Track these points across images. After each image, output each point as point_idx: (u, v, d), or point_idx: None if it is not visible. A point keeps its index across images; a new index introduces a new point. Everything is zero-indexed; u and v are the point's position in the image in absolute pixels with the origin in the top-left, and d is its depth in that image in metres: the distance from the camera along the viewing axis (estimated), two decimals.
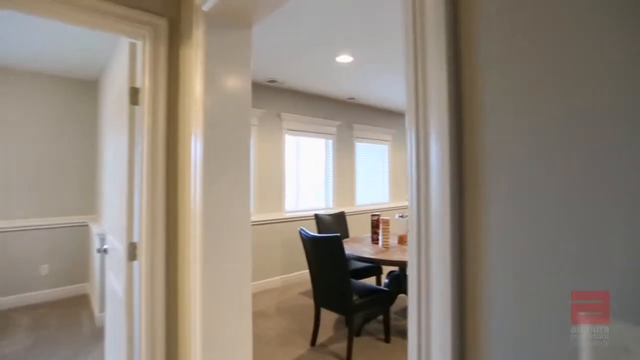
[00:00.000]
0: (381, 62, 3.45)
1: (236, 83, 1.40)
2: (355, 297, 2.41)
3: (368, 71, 3.77)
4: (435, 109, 0.59)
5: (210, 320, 1.26)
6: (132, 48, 1.53)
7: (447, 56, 0.57)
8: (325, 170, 4.96)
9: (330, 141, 4.99)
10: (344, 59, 3.33)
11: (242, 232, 1.36)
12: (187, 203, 1.39)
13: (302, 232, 2.52)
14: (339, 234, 2.30)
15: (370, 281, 3.52)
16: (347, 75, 3.93)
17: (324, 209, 4.83)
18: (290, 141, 4.55)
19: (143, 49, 1.48)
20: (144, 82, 1.48)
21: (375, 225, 3.06)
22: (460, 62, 0.58)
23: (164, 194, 1.46)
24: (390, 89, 4.56)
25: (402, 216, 3.07)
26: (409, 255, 0.67)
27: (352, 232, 4.16)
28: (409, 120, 0.64)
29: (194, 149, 1.35)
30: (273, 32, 2.73)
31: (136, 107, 1.51)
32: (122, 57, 1.77)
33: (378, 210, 5.24)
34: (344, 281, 2.34)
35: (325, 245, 2.36)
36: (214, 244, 1.29)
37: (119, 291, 1.61)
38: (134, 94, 1.51)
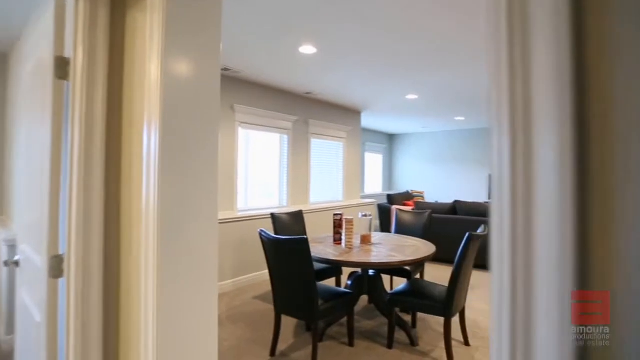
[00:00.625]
0: (346, 55, 3.31)
1: (204, 62, 1.15)
2: (320, 302, 2.25)
3: (331, 64, 3.62)
4: (546, 106, 0.43)
5: None
6: (60, 8, 1.20)
7: (566, 31, 0.41)
8: (280, 166, 4.74)
9: (286, 137, 4.78)
10: (308, 49, 3.14)
11: (208, 240, 1.12)
12: (136, 207, 1.12)
13: (263, 233, 2.30)
14: (305, 237, 2.12)
15: (330, 282, 3.39)
16: (308, 68, 3.74)
17: (278, 207, 4.61)
18: (244, 135, 4.25)
19: (75, 9, 1.16)
20: (75, 51, 1.16)
21: (338, 225, 2.93)
22: (583, 41, 0.42)
23: (102, 195, 1.17)
24: (349, 84, 4.46)
25: (365, 215, 2.98)
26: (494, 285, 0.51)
27: (309, 231, 4.00)
28: (496, 118, 0.48)
29: (148, 141, 1.08)
30: (230, 14, 2.46)
31: (65, 82, 1.19)
32: (44, 22, 1.41)
33: (332, 208, 5.14)
34: (310, 286, 2.17)
35: (290, 248, 2.17)
36: (173, 256, 1.03)
37: (36, 315, 1.27)
38: (62, 66, 1.18)
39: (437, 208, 4.95)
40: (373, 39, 2.93)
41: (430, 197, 8.97)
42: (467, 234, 2.34)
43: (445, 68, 3.78)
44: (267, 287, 3.90)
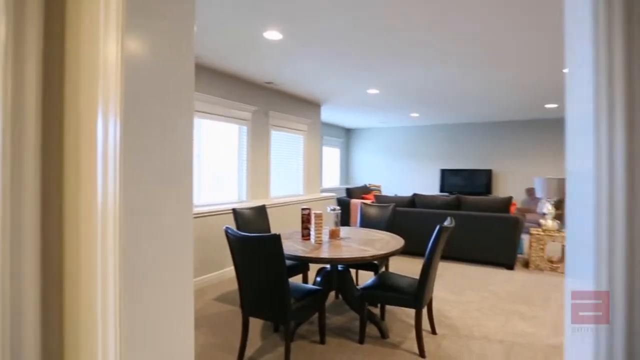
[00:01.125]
0: (312, 43, 3.20)
1: (175, 40, 0.98)
2: (292, 301, 2.15)
3: (296, 53, 3.48)
4: None
5: None
6: None
7: None
8: (238, 159, 4.52)
9: (245, 127, 4.56)
10: (273, 35, 2.97)
11: (182, 251, 0.96)
12: (86, 206, 0.92)
13: (229, 231, 2.13)
14: (278, 234, 2.00)
15: (297, 279, 3.30)
16: (272, 55, 3.57)
17: (237, 202, 4.40)
18: (197, 125, 3.98)
19: None
20: None
21: (306, 219, 2.83)
22: None
23: (37, 191, 0.95)
24: (312, 75, 4.36)
25: (334, 209, 2.91)
26: None
27: (273, 227, 3.86)
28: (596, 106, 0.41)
29: (104, 133, 0.88)
30: None
31: None
32: None
33: (295, 202, 5.03)
34: (283, 285, 2.06)
35: (261, 246, 2.03)
36: (139, 273, 0.87)
37: None
38: None
39: (397, 201, 5.04)
40: (342, 29, 2.85)
41: (387, 191, 9.18)
42: (437, 227, 2.37)
43: (410, 64, 3.82)
44: (228, 287, 3.70)
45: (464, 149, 8.37)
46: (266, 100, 4.95)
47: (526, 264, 4.51)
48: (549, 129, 7.49)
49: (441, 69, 4.03)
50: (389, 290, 2.49)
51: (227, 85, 4.28)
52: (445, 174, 8.46)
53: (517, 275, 4.12)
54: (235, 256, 2.19)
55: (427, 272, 2.34)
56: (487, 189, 7.93)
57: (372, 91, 5.15)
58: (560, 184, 4.37)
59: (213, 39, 3.11)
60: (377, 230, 3.27)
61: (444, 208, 4.80)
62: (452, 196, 4.83)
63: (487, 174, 7.95)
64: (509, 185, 7.84)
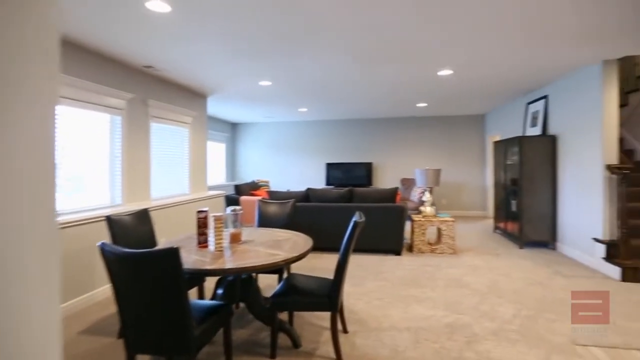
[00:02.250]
0: (205, 21, 2.75)
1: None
2: (194, 326, 1.76)
3: (185, 31, 2.96)
4: None
5: None
6: None
7: None
8: (110, 155, 3.70)
9: (119, 118, 3.76)
10: (158, 5, 2.43)
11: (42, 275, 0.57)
12: None
13: (106, 249, 1.61)
14: (176, 247, 1.59)
15: (191, 294, 2.85)
16: (155, 32, 2.97)
17: (110, 206, 3.60)
18: (65, 113, 3.06)
19: None
20: None
21: (202, 224, 2.42)
22: None
23: None
24: (202, 60, 3.83)
25: (234, 210, 2.57)
26: None
27: (158, 234, 3.26)
28: None
29: None
30: None
31: None
32: None
33: (181, 203, 4.41)
34: (182, 311, 1.66)
35: (154, 264, 1.59)
36: None
37: None
38: None
39: (292, 196, 4.92)
40: (240, 7, 2.50)
41: (275, 186, 9.04)
42: (352, 222, 2.28)
43: (306, 55, 3.69)
44: (99, 313, 2.98)
45: (347, 143, 8.82)
46: (145, 87, 4.19)
47: (410, 249, 4.96)
48: (421, 125, 8.47)
49: (334, 61, 4.03)
50: (302, 296, 2.32)
51: (99, 67, 3.45)
52: (330, 167, 8.77)
53: (405, 260, 4.47)
54: (115, 279, 1.68)
55: (342, 271, 2.24)
56: (368, 180, 8.54)
57: (265, 83, 4.88)
58: (436, 173, 4.92)
59: (81, 8, 2.38)
60: (280, 230, 3.06)
61: (337, 201, 4.89)
62: (345, 189, 4.95)
63: (368, 167, 8.56)
64: (387, 176, 8.60)
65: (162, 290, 1.64)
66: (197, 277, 2.65)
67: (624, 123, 5.36)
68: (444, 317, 2.84)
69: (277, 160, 9.21)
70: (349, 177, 8.63)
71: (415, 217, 4.90)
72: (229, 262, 2.09)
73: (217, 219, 2.36)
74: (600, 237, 4.07)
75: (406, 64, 4.07)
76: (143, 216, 2.75)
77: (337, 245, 3.49)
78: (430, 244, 4.88)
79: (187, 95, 5.11)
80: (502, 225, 5.89)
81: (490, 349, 2.35)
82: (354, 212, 4.68)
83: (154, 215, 3.66)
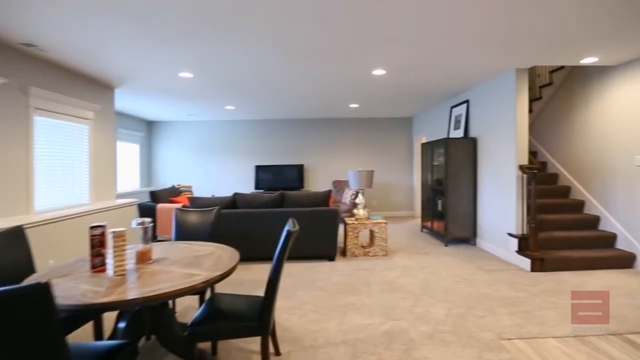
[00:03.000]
0: None
1: None
2: None
3: None
4: None
5: None
6: None
7: None
8: None
9: None
10: None
11: None
12: None
13: None
14: (45, 282, 1.15)
15: (85, 333, 2.34)
16: None
17: None
18: None
19: None
20: None
21: (98, 244, 1.94)
22: None
23: None
24: (108, 43, 3.23)
25: (142, 224, 2.13)
26: None
27: (39, 258, 2.63)
28: None
29: None
30: None
31: None
32: None
33: (77, 216, 3.70)
34: None
35: (12, 307, 1.14)
36: None
37: None
38: None
39: (216, 203, 4.48)
40: None
41: (199, 192, 8.37)
42: (285, 231, 2.02)
43: (232, 44, 3.33)
44: None
45: (278, 144, 8.53)
46: (25, 70, 3.42)
47: (344, 253, 4.85)
48: (352, 127, 8.52)
49: (263, 53, 3.73)
50: (227, 321, 1.97)
51: None
52: (259, 170, 8.39)
53: (339, 265, 4.34)
54: None
55: (274, 288, 1.96)
56: (300, 183, 8.35)
57: (185, 75, 4.37)
58: (369, 175, 4.88)
59: None
60: (202, 243, 2.66)
61: (267, 206, 4.58)
62: (276, 193, 4.67)
63: (299, 169, 8.36)
64: (319, 178, 8.51)
65: (28, 340, 1.19)
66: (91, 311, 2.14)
67: (529, 128, 5.94)
68: (381, 324, 2.72)
69: (202, 163, 8.53)
70: (280, 180, 8.34)
71: (349, 220, 4.81)
72: (132, 290, 1.67)
73: (118, 236, 1.91)
74: (513, 232, 4.38)
75: (341, 61, 3.93)
76: (14, 237, 2.14)
77: (268, 254, 3.21)
78: (363, 247, 4.83)
79: (87, 85, 4.36)
80: (428, 224, 6.13)
81: (428, 354, 2.28)
82: (286, 218, 4.44)
83: (35, 233, 2.98)
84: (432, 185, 5.99)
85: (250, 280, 3.80)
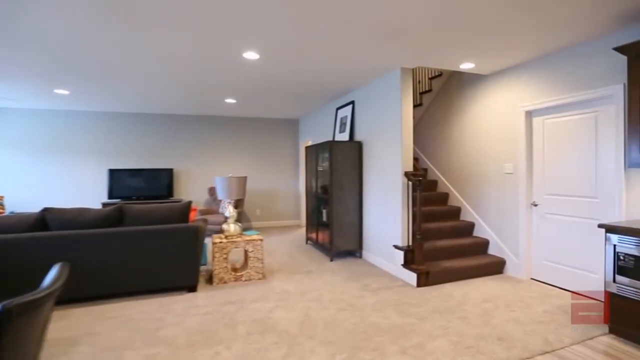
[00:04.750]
0: None
1: None
2: None
3: None
4: None
5: None
6: None
7: None
8: None
9: None
10: None
11: None
12: None
13: None
14: None
15: None
16: None
17: None
18: None
19: None
20: None
21: None
22: None
23: None
24: None
25: None
26: None
27: None
28: None
29: None
30: None
31: None
32: None
33: None
34: None
35: None
36: None
37: None
38: None
39: (9, 225, 3.04)
40: None
41: (19, 205, 6.29)
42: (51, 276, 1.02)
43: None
44: None
45: (140, 144, 7.00)
46: None
47: (210, 279, 3.87)
48: (232, 127, 7.51)
49: (77, 10, 2.56)
50: None
51: None
52: (114, 175, 6.73)
53: (201, 299, 3.36)
54: None
55: None
56: (169, 191, 6.98)
57: None
58: (241, 182, 4.02)
59: None
60: None
61: (99, 226, 3.33)
62: (112, 207, 3.43)
63: (168, 174, 7.00)
64: (193, 185, 7.27)
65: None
66: None
67: None
68: None
69: (28, 165, 6.43)
70: (143, 187, 6.83)
71: (216, 239, 3.86)
72: None
73: None
74: (399, 243, 4.08)
75: (196, 31, 2.99)
76: None
77: (100, 291, 2.10)
78: (235, 270, 3.94)
79: None
80: (313, 235, 5.57)
81: None
82: (127, 240, 3.26)
83: None
84: (316, 192, 5.46)
85: (59, 338, 2.55)
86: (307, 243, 5.90)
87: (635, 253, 2.45)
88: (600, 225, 2.66)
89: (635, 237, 2.44)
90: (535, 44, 3.30)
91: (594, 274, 3.33)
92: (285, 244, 5.91)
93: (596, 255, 3.30)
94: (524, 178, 3.89)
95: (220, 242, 3.77)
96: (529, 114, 3.89)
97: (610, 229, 2.60)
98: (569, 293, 3.46)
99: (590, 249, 3.35)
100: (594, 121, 3.31)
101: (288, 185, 7.95)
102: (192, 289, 3.53)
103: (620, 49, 2.78)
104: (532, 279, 3.92)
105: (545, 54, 3.59)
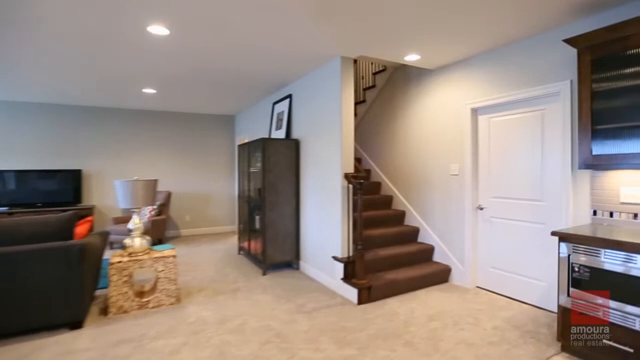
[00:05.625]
0: None
1: None
2: None
3: None
4: None
5: None
6: None
7: None
8: None
9: None
10: None
11: None
12: None
13: None
14: None
15: None
16: None
17: None
18: None
19: None
20: None
21: None
22: None
23: None
24: None
25: None
26: None
27: None
28: None
29: None
30: None
31: None
32: None
33: None
34: None
35: None
36: None
37: None
38: None
39: None
40: None
41: None
42: None
43: None
44: None
45: (38, 141, 5.84)
46: None
47: (105, 311, 3.08)
48: (157, 123, 6.58)
49: None
50: None
51: None
52: (4, 177, 5.53)
53: (84, 339, 2.59)
54: None
55: None
56: (76, 196, 5.90)
57: None
58: (149, 186, 3.28)
59: None
60: None
61: None
62: None
63: (74, 177, 5.90)
64: (109, 189, 6.23)
65: None
66: None
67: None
68: None
69: None
70: (42, 193, 5.68)
71: (115, 258, 3.09)
72: None
73: None
74: (339, 253, 3.62)
75: None
76: None
77: None
78: (140, 294, 3.20)
79: None
80: (246, 245, 4.94)
81: None
82: None
83: None
84: (249, 196, 4.84)
85: None
86: (239, 253, 5.24)
87: (592, 264, 2.20)
88: (553, 233, 2.39)
89: (592, 246, 2.19)
90: (483, 35, 3.02)
91: (541, 281, 3.12)
92: (215, 254, 5.21)
93: (543, 262, 3.09)
94: (469, 180, 3.63)
95: (120, 262, 3.01)
96: (475, 112, 3.65)
97: (564, 237, 2.33)
98: (517, 302, 3.23)
99: (537, 255, 3.14)
100: (541, 120, 3.11)
101: (223, 188, 7.20)
102: (76, 325, 2.74)
103: (569, 41, 2.55)
104: (478, 287, 3.67)
105: (493, 48, 3.35)
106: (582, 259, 2.24)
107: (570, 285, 2.30)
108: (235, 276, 4.11)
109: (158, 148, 6.63)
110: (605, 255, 2.13)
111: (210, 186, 7.06)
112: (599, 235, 2.24)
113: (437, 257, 4.04)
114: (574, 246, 2.28)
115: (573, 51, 2.71)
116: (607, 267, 2.13)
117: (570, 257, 2.30)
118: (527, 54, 3.12)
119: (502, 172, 3.43)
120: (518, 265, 3.30)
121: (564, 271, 2.33)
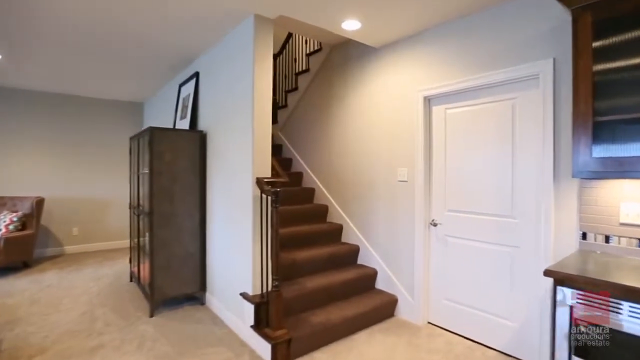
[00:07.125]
0: None
1: None
2: None
3: None
4: None
5: None
6: None
7: None
8: None
9: None
10: None
11: None
12: None
13: None
14: None
15: None
16: None
17: None
18: None
19: None
20: None
21: None
22: None
23: None
24: None
25: None
26: None
27: None
28: None
29: None
30: None
31: None
32: None
33: None
34: None
35: None
36: None
37: None
38: None
39: None
40: None
41: None
42: None
43: None
44: None
45: None
46: None
47: None
48: (31, 110, 4.96)
49: None
50: None
51: None
52: None
53: None
54: None
55: None
56: None
57: None
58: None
59: None
60: None
61: None
62: None
63: None
64: None
65: None
66: None
67: (282, 127, 4.56)
68: None
69: None
70: None
71: None
72: None
73: None
74: (249, 287, 2.62)
75: None
76: None
77: None
78: None
79: None
80: (136, 270, 3.74)
81: None
82: None
83: None
84: (137, 207, 3.66)
85: None
86: (131, 280, 4.00)
87: (608, 324, 1.44)
88: (546, 273, 1.62)
89: (611, 296, 1.44)
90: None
91: (509, 321, 2.40)
92: (96, 283, 3.91)
93: (513, 297, 2.37)
94: (421, 188, 2.84)
95: None
96: (428, 102, 2.87)
97: (563, 279, 1.57)
98: (480, 346, 2.48)
99: (505, 287, 2.42)
100: (511, 112, 2.39)
101: (125, 194, 5.82)
102: None
103: None
104: (429, 323, 2.90)
105: (452, 18, 2.58)
106: (591, 315, 1.48)
107: (572, 354, 1.54)
108: (106, 321, 2.91)
109: (36, 142, 5.08)
110: (630, 311, 1.39)
111: (109, 191, 5.65)
112: (612, 273, 1.50)
113: (380, 284, 3.21)
114: (579, 294, 1.52)
115: (559, 19, 2.00)
116: (629, 329, 1.38)
117: (574, 310, 1.53)
118: (497, 24, 2.39)
119: (461, 179, 2.68)
120: (480, 299, 2.56)
121: (562, 331, 1.57)
